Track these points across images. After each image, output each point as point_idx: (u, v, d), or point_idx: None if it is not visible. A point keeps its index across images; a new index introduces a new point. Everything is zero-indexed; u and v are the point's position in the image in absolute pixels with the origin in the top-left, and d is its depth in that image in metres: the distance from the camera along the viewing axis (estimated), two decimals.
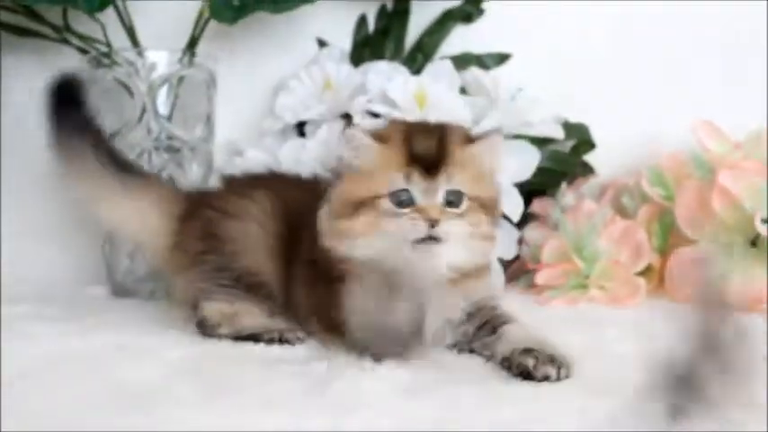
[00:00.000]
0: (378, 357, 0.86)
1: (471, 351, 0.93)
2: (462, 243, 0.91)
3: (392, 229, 0.89)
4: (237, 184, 1.12)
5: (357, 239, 0.91)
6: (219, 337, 1.00)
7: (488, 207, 0.94)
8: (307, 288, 0.99)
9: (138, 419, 0.72)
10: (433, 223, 0.88)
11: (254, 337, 0.98)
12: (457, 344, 0.95)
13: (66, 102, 1.11)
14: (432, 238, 0.89)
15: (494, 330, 0.91)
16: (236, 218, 1.05)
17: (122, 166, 1.12)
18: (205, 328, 1.02)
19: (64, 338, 1.00)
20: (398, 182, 0.90)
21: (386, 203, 0.90)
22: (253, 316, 1.01)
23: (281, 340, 0.97)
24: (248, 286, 1.02)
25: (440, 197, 0.90)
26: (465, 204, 0.91)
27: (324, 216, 0.94)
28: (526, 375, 0.83)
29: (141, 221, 1.10)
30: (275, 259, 1.03)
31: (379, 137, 0.93)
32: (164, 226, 1.09)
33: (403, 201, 0.90)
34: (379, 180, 0.91)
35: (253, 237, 1.04)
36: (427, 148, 0.91)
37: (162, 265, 1.10)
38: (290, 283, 1.02)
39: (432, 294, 0.87)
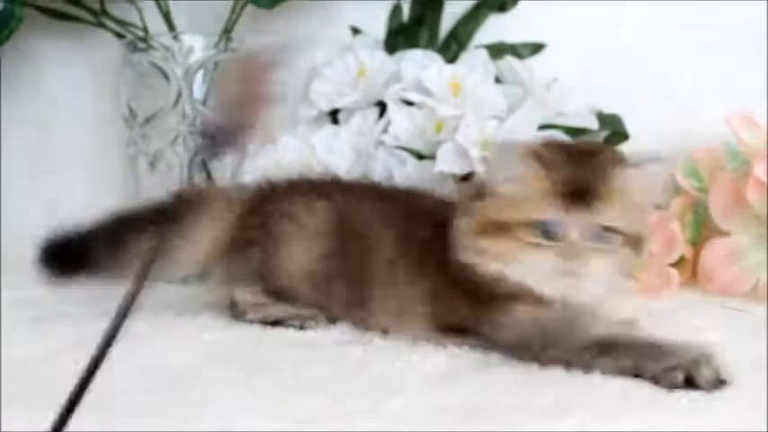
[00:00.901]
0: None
1: None
2: (605, 280, 0.85)
3: (535, 260, 0.84)
4: (306, 186, 1.09)
5: (496, 261, 0.85)
6: (249, 321, 1.01)
7: (637, 244, 0.87)
8: (413, 295, 0.94)
9: (175, 399, 0.73)
10: (577, 261, 0.83)
11: (278, 323, 0.99)
12: None
13: (69, 254, 1.01)
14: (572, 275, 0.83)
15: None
16: (292, 225, 1.03)
17: (166, 218, 1.03)
18: (235, 313, 1.03)
19: (98, 320, 1.00)
20: (548, 212, 0.83)
21: (532, 232, 0.83)
22: (278, 307, 1.02)
23: (302, 327, 0.98)
24: (283, 299, 1.02)
25: (588, 233, 0.83)
26: (615, 241, 0.84)
27: (461, 229, 0.88)
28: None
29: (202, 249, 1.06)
30: (322, 274, 1.01)
31: (536, 156, 0.85)
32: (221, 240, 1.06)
33: (550, 232, 0.83)
34: (529, 206, 0.84)
35: (301, 252, 1.02)
36: (584, 177, 0.84)
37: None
38: (351, 291, 0.99)
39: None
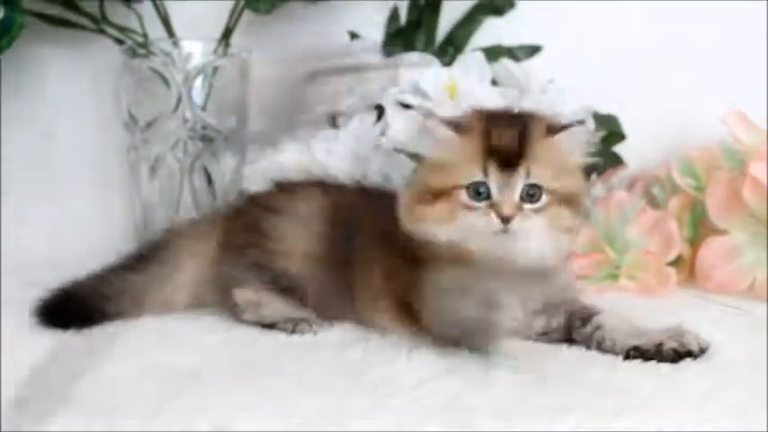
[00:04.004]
0: (455, 344, 0.86)
1: (568, 341, 0.92)
2: (540, 237, 0.90)
3: (467, 221, 0.89)
4: (287, 185, 1.12)
5: (435, 226, 0.91)
6: (246, 323, 1.02)
7: (570, 200, 0.92)
8: (378, 277, 0.98)
9: (177, 401, 0.74)
10: (506, 219, 0.88)
11: (272, 326, 1.00)
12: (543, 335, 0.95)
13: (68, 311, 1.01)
14: (505, 233, 0.88)
15: (584, 322, 0.91)
16: (280, 214, 1.05)
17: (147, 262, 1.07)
18: (235, 314, 1.04)
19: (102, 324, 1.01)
20: (476, 174, 0.89)
21: (463, 195, 0.90)
22: (275, 306, 1.02)
23: (293, 331, 0.98)
24: (284, 287, 1.03)
25: (516, 192, 0.89)
26: (544, 199, 0.90)
27: (404, 199, 0.95)
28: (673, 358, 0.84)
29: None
30: (318, 257, 1.03)
31: (457, 127, 0.92)
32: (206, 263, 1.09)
33: (480, 194, 0.89)
34: (458, 171, 0.90)
35: (295, 234, 1.04)
36: (507, 139, 0.90)
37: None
38: (340, 277, 1.02)
39: (509, 284, 0.87)
